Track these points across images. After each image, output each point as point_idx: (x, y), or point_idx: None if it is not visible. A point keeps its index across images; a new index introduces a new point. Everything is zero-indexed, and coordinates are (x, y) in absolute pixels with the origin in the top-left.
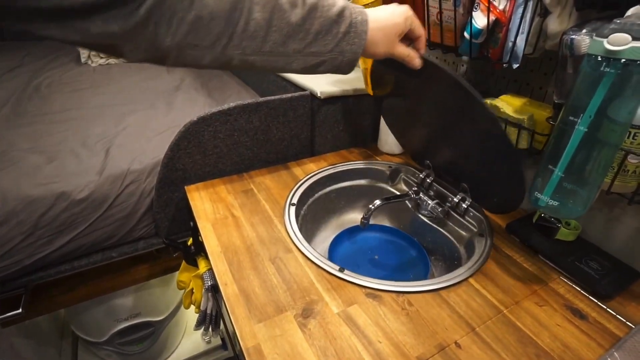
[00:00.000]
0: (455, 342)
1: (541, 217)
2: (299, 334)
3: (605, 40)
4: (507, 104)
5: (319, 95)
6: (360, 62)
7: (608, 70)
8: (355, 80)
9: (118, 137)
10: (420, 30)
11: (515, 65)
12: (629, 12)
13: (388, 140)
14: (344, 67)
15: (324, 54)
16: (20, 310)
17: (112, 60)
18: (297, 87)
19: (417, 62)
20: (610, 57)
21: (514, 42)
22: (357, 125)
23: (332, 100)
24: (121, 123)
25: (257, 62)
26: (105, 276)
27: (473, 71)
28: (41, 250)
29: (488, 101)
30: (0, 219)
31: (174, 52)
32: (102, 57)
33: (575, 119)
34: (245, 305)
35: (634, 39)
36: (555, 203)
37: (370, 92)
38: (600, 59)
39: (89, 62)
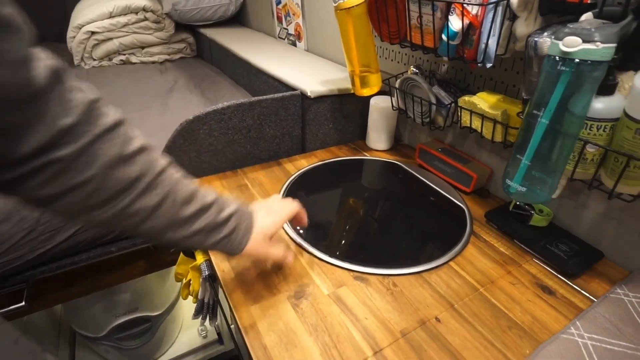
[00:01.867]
0: (436, 317)
1: (516, 206)
2: (292, 313)
3: (560, 43)
4: (484, 101)
5: (309, 94)
6: (347, 64)
7: (564, 69)
8: (343, 80)
9: None
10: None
11: (488, 65)
12: (582, 17)
13: (376, 137)
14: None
15: (202, 244)
16: (23, 303)
17: (104, 63)
18: (289, 87)
19: (289, 260)
20: (565, 58)
21: (487, 44)
22: (346, 123)
23: (321, 99)
24: None
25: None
26: (104, 271)
27: (454, 70)
28: (43, 245)
29: (466, 98)
30: (2, 216)
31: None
32: (95, 60)
33: (539, 113)
34: (242, 289)
35: (584, 41)
36: (524, 189)
37: (357, 92)
38: (557, 59)
39: (82, 64)
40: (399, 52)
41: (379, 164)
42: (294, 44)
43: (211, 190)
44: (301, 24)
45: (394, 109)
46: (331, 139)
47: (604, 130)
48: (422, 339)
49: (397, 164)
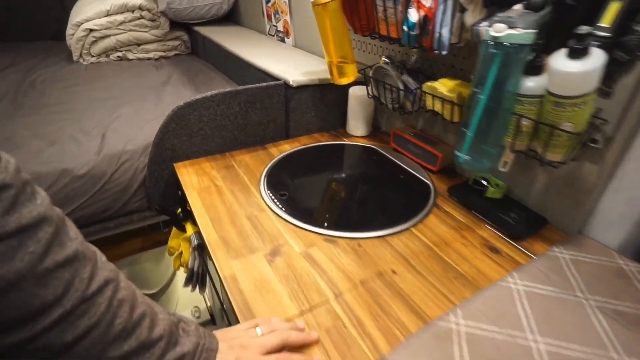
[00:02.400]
0: (392, 270)
1: (475, 181)
2: (267, 267)
3: (491, 29)
4: (444, 86)
5: (291, 83)
6: (326, 55)
7: (496, 51)
8: (324, 71)
9: (112, 124)
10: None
11: (443, 52)
12: (513, 8)
13: (355, 124)
14: None
15: None
16: None
17: (102, 59)
18: (274, 78)
19: None
20: (496, 42)
21: (440, 34)
22: (327, 111)
23: (303, 88)
24: (114, 113)
25: None
26: (103, 248)
27: (421, 60)
28: None
29: (429, 84)
30: None
31: None
32: (93, 56)
33: (479, 91)
34: (224, 248)
35: (509, 27)
36: (469, 158)
37: (335, 81)
38: (491, 43)
39: (81, 60)
40: (373, 45)
41: (356, 148)
42: (283, 40)
43: (169, 315)
44: (289, 21)
45: (369, 96)
46: (313, 126)
47: (534, 106)
48: (379, 286)
49: (373, 148)
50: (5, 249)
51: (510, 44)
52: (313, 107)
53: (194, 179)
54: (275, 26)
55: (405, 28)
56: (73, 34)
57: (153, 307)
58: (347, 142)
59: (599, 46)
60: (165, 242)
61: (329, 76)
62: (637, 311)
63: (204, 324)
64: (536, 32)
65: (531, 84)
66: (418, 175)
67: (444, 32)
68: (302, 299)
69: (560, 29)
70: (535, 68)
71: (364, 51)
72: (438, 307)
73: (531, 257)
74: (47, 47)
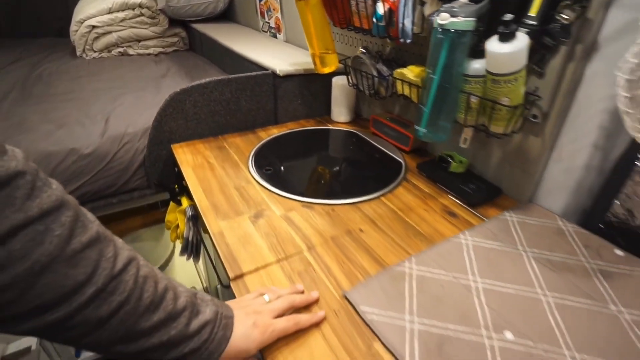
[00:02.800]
0: (360, 229)
1: (441, 157)
2: (250, 226)
3: (438, 18)
4: (411, 71)
5: (278, 72)
6: (309, 47)
7: (443, 37)
8: (310, 63)
9: (115, 110)
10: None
11: (408, 41)
12: (461, 0)
13: (338, 111)
14: None
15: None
16: None
17: (104, 54)
18: (264, 69)
19: None
20: (443, 29)
21: (403, 24)
22: (313, 100)
23: (290, 77)
24: (117, 101)
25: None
26: (106, 224)
27: (395, 50)
28: None
29: (399, 70)
30: None
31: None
32: (95, 51)
33: (432, 72)
34: (214, 211)
35: (451, 16)
36: (427, 131)
37: (318, 71)
38: (439, 30)
39: (84, 55)
40: (352, 37)
41: (338, 132)
42: (275, 36)
43: (185, 288)
44: (280, 18)
45: (350, 85)
46: (300, 113)
47: (479, 85)
48: (346, 241)
49: (354, 132)
50: (34, 234)
51: (454, 30)
52: (299, 95)
53: (189, 157)
54: (268, 23)
55: (374, 20)
56: (77, 31)
57: (172, 281)
58: (330, 127)
59: (528, 33)
60: (163, 220)
61: (313, 66)
62: (565, 259)
63: None
64: (475, 20)
65: (477, 65)
66: (392, 154)
67: (407, 22)
68: (279, 250)
69: (497, 18)
70: (478, 52)
71: (344, 43)
72: (396, 257)
73: (484, 220)
74: (51, 43)
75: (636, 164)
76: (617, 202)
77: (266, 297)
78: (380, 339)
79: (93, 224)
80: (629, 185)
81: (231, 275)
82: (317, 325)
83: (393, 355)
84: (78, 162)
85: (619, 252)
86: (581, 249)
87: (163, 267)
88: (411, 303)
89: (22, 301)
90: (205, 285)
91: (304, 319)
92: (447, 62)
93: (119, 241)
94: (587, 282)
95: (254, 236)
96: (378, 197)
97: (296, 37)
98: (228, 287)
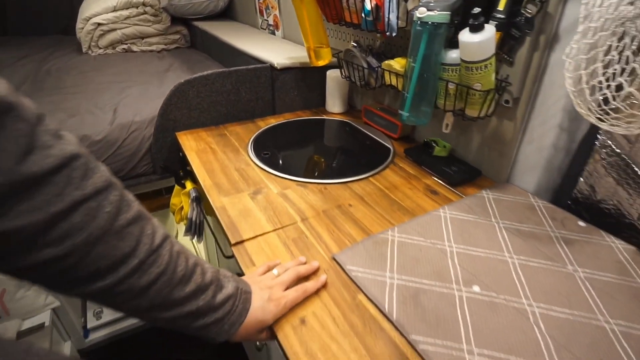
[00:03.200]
0: (349, 204)
1: (425, 143)
2: (250, 202)
3: (417, 12)
4: (398, 63)
5: (276, 65)
6: (304, 41)
7: (422, 29)
8: (305, 57)
9: (122, 101)
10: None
11: (393, 34)
12: None
13: (332, 102)
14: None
15: (186, 327)
16: None
17: (109, 51)
18: (262, 62)
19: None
20: (421, 21)
21: (389, 19)
22: (309, 92)
23: (287, 70)
24: (123, 93)
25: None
26: None
27: (383, 44)
28: None
29: (387, 62)
30: None
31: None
32: (100, 48)
33: (413, 61)
34: (216, 189)
35: (428, 10)
36: (410, 115)
37: (313, 64)
38: (418, 22)
39: (89, 51)
40: (345, 32)
41: (332, 121)
42: (273, 33)
43: (209, 265)
44: (278, 16)
45: (343, 77)
46: (297, 105)
47: (456, 72)
48: (336, 214)
49: (347, 121)
50: (89, 209)
51: (431, 22)
52: (296, 88)
53: (193, 144)
54: (267, 20)
55: (363, 15)
56: (82, 28)
57: (199, 258)
58: (325, 117)
59: (497, 25)
60: (167, 206)
61: (308, 60)
62: (532, 229)
63: None
64: (450, 13)
65: (453, 55)
66: (381, 141)
67: (392, 17)
68: (275, 221)
69: (470, 12)
70: (454, 42)
71: (338, 39)
72: (381, 227)
73: (463, 197)
74: (57, 40)
75: (596, 144)
76: (581, 179)
77: (274, 272)
78: (363, 292)
79: (135, 204)
80: (591, 163)
81: (233, 241)
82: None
83: (374, 304)
84: (90, 147)
85: (581, 223)
86: (548, 221)
87: None
88: (392, 263)
89: (80, 267)
90: None
91: (310, 286)
92: (426, 52)
93: (155, 220)
94: (550, 247)
95: (253, 210)
96: (367, 178)
97: (293, 34)
98: (231, 257)
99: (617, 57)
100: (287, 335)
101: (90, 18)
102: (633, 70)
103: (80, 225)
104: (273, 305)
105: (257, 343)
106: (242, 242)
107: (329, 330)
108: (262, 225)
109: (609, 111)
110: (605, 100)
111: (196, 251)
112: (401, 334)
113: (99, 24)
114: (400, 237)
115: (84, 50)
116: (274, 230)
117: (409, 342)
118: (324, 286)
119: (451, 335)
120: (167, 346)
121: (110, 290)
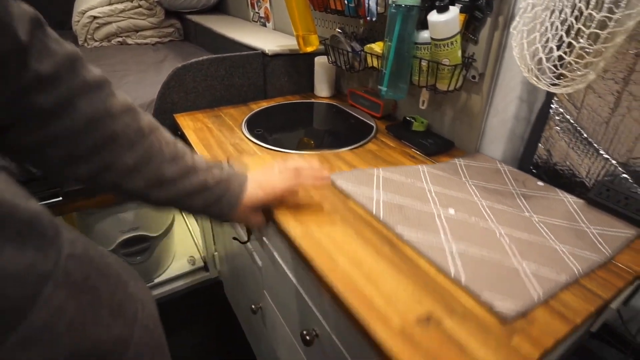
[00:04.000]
0: (339, 167)
1: (405, 119)
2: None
3: None
4: (378, 46)
5: (267, 52)
6: (293, 29)
7: (396, 11)
8: (294, 45)
9: (122, 87)
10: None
11: (373, 19)
12: None
13: (320, 86)
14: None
15: (190, 207)
16: (60, 198)
17: (104, 43)
18: (254, 50)
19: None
20: (396, 4)
21: (368, 4)
22: (299, 77)
23: (277, 57)
24: (122, 80)
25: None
26: None
27: (366, 30)
28: None
29: (368, 45)
30: None
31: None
32: (96, 41)
33: (389, 40)
34: (207, 152)
35: None
36: (388, 90)
37: (302, 50)
38: (393, 5)
39: (85, 44)
40: (332, 21)
41: (320, 104)
42: (264, 25)
43: (203, 157)
44: (269, 8)
45: (330, 62)
46: (287, 89)
47: (427, 51)
48: (328, 167)
49: (334, 104)
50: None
51: (404, 5)
52: (286, 73)
53: (190, 124)
54: (258, 13)
55: (345, 1)
56: (78, 21)
57: (193, 151)
58: (313, 100)
59: (461, 8)
60: None
61: (297, 47)
62: (497, 187)
63: (197, 270)
64: None
65: (424, 35)
66: (365, 120)
67: (372, 3)
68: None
69: None
70: (425, 24)
71: (324, 27)
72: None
73: (437, 162)
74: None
75: (550, 112)
76: (540, 145)
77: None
78: (353, 199)
79: (125, 98)
80: (547, 130)
81: None
82: (320, 186)
83: (363, 208)
84: None
85: (540, 183)
86: (511, 181)
87: (163, 236)
88: (377, 186)
89: (79, 147)
90: (203, 254)
91: (306, 172)
92: (400, 32)
93: (145, 113)
94: (511, 200)
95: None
96: (352, 149)
97: (284, 26)
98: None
99: (549, 27)
100: (286, 218)
101: (86, 11)
102: (561, 37)
103: (84, 104)
104: (269, 187)
105: (253, 306)
106: None
107: (321, 217)
108: None
109: (547, 71)
110: (540, 61)
111: (195, 244)
112: (387, 228)
113: (95, 17)
114: (384, 174)
115: (80, 43)
116: None
117: (395, 234)
118: (320, 196)
119: (432, 233)
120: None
121: (108, 168)
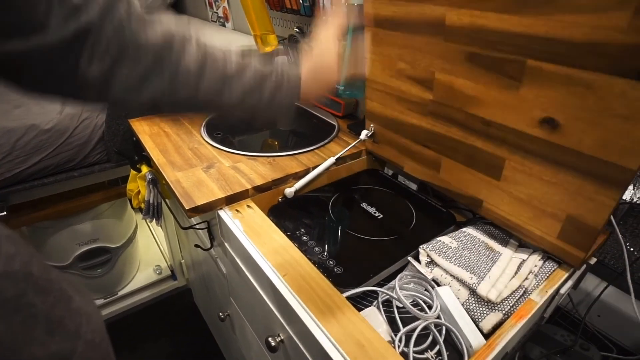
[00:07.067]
0: (296, 172)
1: (365, 117)
2: (203, 174)
3: None
4: None
5: None
6: (251, 29)
7: (350, 10)
8: (253, 45)
9: None
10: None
11: None
12: None
13: None
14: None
15: (260, 100)
16: (5, 213)
17: None
18: None
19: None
20: (348, 4)
21: (323, 3)
22: None
23: None
24: None
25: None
26: (70, 199)
27: None
28: (18, 167)
29: None
30: None
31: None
32: None
33: (344, 39)
34: (170, 166)
35: None
36: (344, 88)
37: (261, 50)
38: (346, 4)
39: None
40: (289, 20)
41: None
42: (224, 25)
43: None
44: (227, 7)
45: (289, 61)
46: None
47: None
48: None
49: (296, 104)
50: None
51: (356, 4)
52: None
53: (147, 128)
54: (217, 13)
55: (301, 1)
56: None
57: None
58: None
59: None
60: (124, 195)
61: (256, 48)
62: None
63: (165, 280)
64: None
65: None
66: (328, 119)
67: (326, 2)
68: (227, 189)
69: None
70: None
71: (282, 26)
72: None
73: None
74: None
75: None
76: None
77: None
78: None
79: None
80: None
81: (187, 207)
82: None
83: None
84: (39, 136)
85: None
86: None
87: (125, 247)
88: None
89: (140, 64)
90: (169, 263)
91: None
92: (354, 31)
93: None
94: None
95: (206, 181)
96: (313, 150)
97: (244, 25)
98: (188, 228)
99: None
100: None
101: None
102: None
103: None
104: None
105: (220, 314)
106: (196, 208)
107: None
108: (214, 192)
109: None
110: None
111: (162, 251)
112: None
113: None
114: None
115: None
116: (225, 195)
117: None
118: None
119: None
120: (137, 340)
121: (176, 78)
